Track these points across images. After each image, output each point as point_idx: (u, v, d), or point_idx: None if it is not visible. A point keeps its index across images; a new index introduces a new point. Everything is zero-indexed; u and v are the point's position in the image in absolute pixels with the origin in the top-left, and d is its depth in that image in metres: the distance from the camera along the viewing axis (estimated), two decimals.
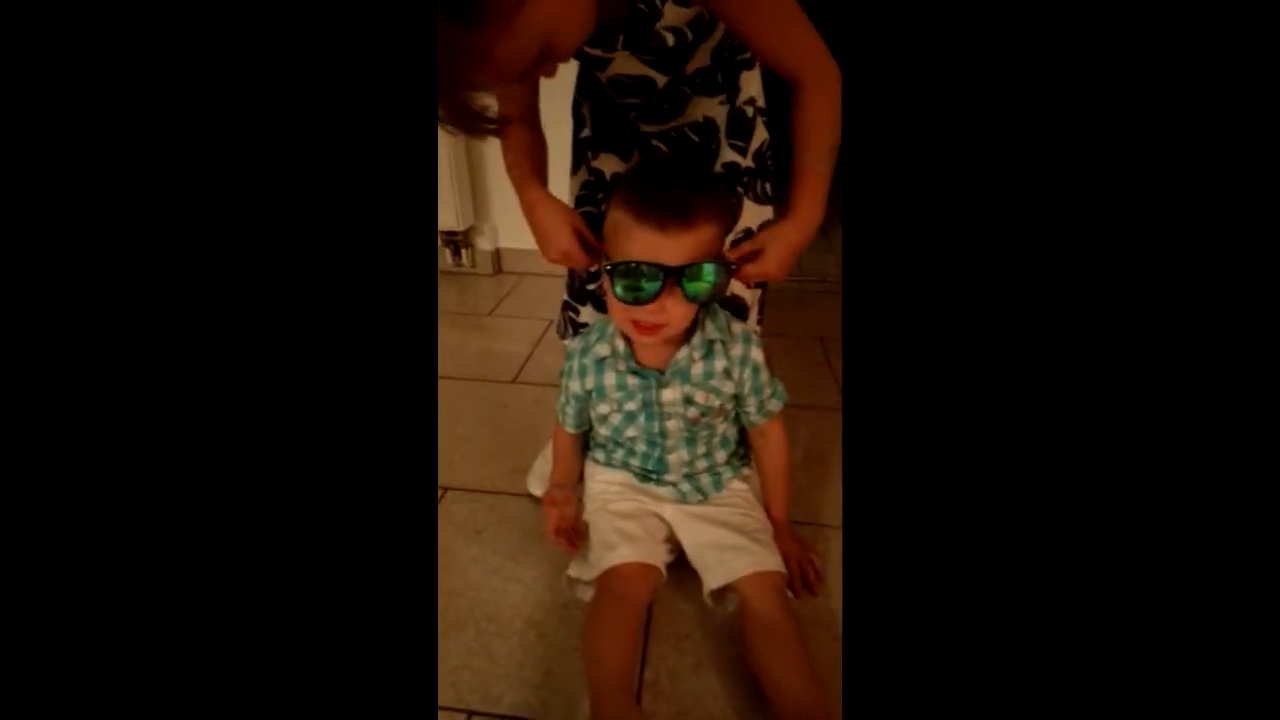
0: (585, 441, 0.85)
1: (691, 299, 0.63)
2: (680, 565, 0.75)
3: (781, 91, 0.66)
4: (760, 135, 0.80)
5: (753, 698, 0.64)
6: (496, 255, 1.88)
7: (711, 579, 0.70)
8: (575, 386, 0.76)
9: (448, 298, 1.70)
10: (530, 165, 0.71)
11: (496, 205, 1.80)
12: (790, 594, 0.72)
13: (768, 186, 0.81)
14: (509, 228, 1.83)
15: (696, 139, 0.80)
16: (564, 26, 0.51)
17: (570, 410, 0.79)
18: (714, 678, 0.67)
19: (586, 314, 0.88)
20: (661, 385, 0.72)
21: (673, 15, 0.62)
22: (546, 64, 0.53)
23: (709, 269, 0.61)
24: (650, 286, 0.61)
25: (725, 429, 0.78)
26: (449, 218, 1.71)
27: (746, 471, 0.81)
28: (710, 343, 0.71)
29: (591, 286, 0.86)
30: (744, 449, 0.82)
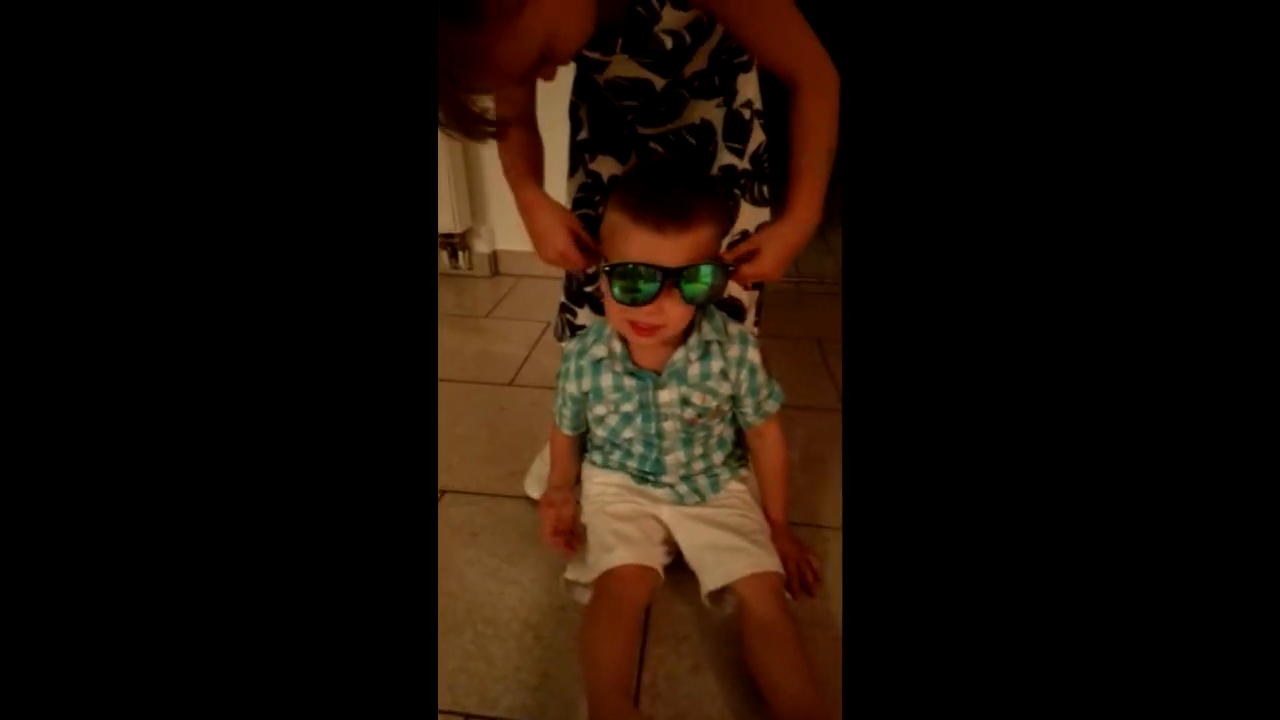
0: (582, 443, 0.85)
1: (689, 300, 0.63)
2: (678, 567, 0.75)
3: (778, 94, 0.66)
4: (757, 138, 0.80)
5: (751, 699, 0.64)
6: (494, 257, 1.88)
7: (709, 580, 0.70)
8: (572, 388, 0.76)
9: (445, 300, 1.70)
10: (527, 167, 0.71)
11: (494, 207, 1.80)
12: (788, 595, 0.72)
13: (765, 189, 0.81)
14: (506, 230, 1.83)
15: (694, 141, 0.80)
16: (564, 29, 0.51)
17: (567, 412, 0.79)
18: (712, 679, 0.67)
19: (584, 316, 0.88)
20: (658, 386, 0.72)
21: (671, 18, 0.62)
22: (546, 66, 0.53)
23: (706, 270, 0.62)
24: (648, 288, 0.61)
25: (722, 430, 0.78)
26: (446, 220, 1.71)
27: (744, 473, 0.81)
28: (707, 344, 0.71)
29: (589, 289, 0.86)
30: (741, 450, 0.82)
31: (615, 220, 0.63)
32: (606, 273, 0.63)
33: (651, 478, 0.78)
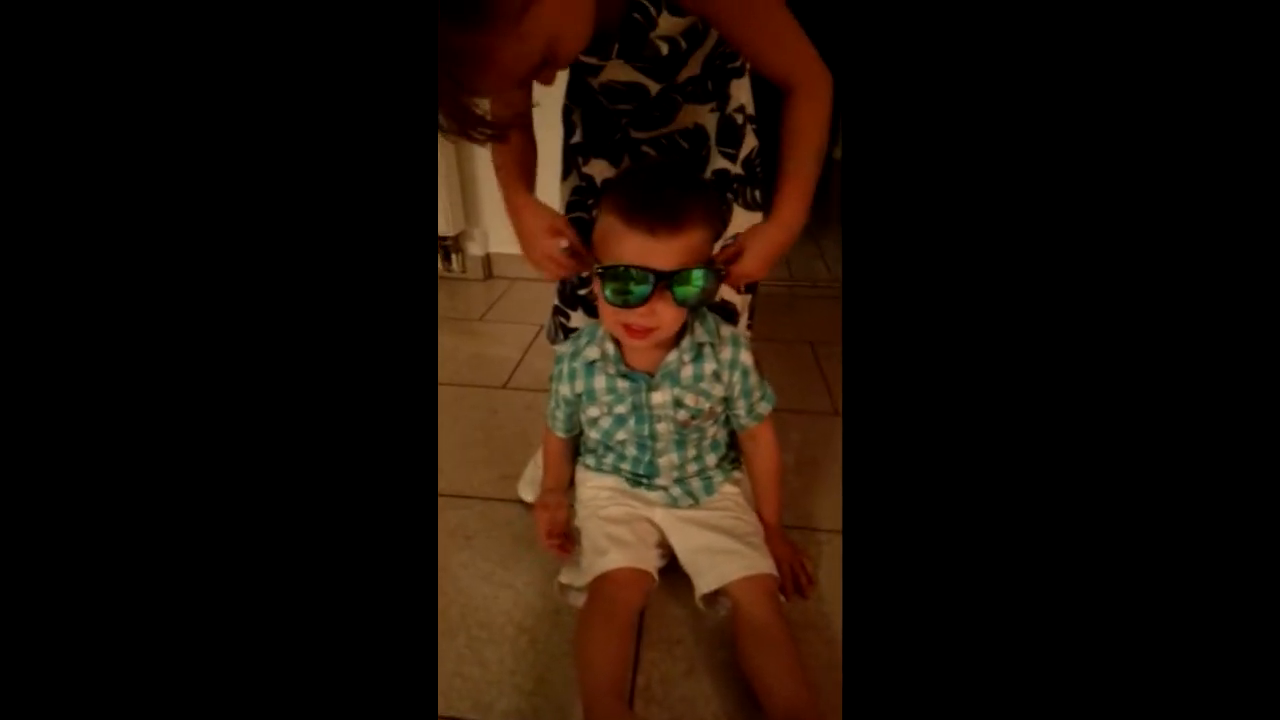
0: (576, 446, 0.85)
1: (681, 303, 0.63)
2: (672, 570, 0.75)
3: (771, 99, 0.67)
4: (750, 143, 0.80)
5: (745, 702, 0.64)
6: (487, 260, 1.88)
7: (703, 583, 0.70)
8: (565, 390, 0.76)
9: (439, 302, 1.70)
10: (518, 170, 0.71)
11: (487, 210, 1.80)
12: (782, 598, 0.72)
13: (757, 193, 0.81)
14: (500, 233, 1.83)
15: (686, 146, 0.80)
16: (566, 32, 0.51)
17: (560, 414, 0.79)
18: (707, 682, 0.67)
19: (577, 319, 0.88)
20: (651, 388, 0.72)
21: (667, 25, 0.63)
22: (547, 70, 0.53)
23: (698, 274, 0.62)
24: (639, 290, 0.61)
25: (715, 432, 0.78)
26: (440, 222, 1.71)
27: (737, 475, 0.81)
28: (699, 346, 0.71)
29: (583, 291, 0.86)
30: (734, 452, 0.82)
31: (608, 223, 0.63)
32: (599, 275, 0.63)
33: (645, 481, 0.78)
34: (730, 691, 0.66)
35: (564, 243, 0.69)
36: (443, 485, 0.97)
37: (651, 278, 0.60)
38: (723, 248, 0.68)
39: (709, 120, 0.79)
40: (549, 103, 0.79)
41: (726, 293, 0.81)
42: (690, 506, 0.78)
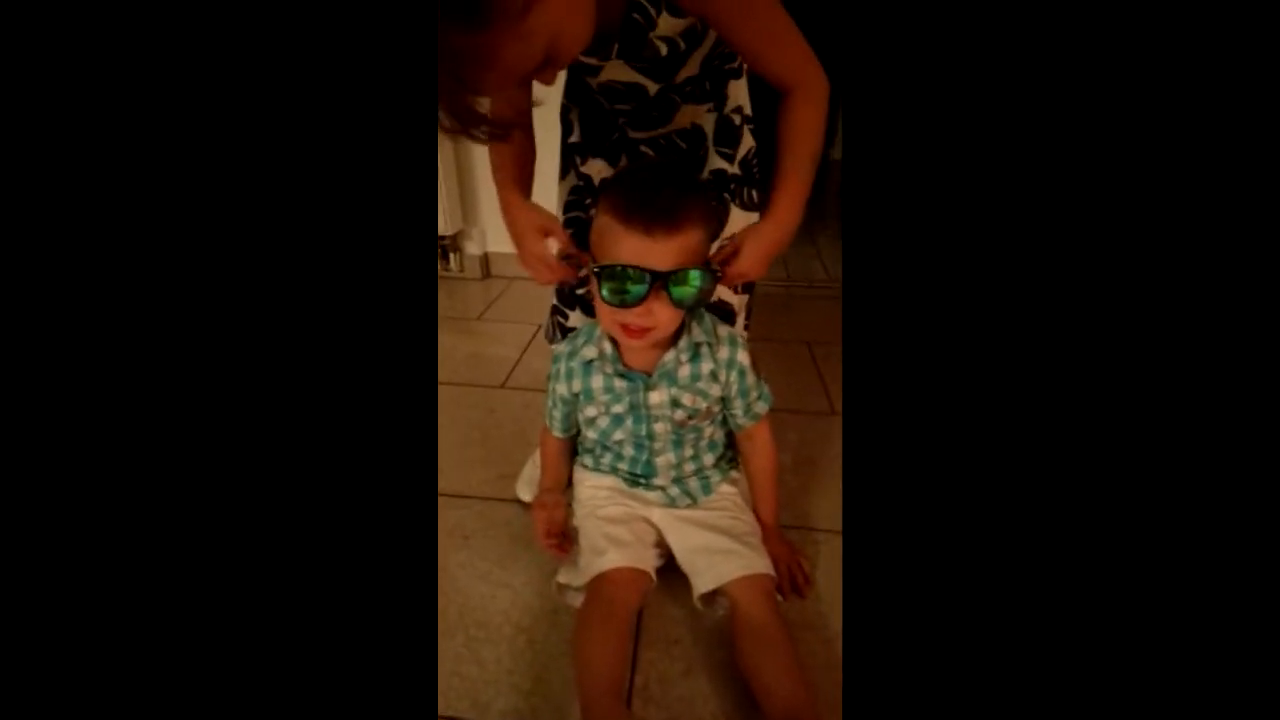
0: (574, 446, 0.85)
1: (677, 304, 0.63)
2: (670, 569, 0.75)
3: (768, 100, 0.67)
4: (747, 143, 0.81)
5: (743, 701, 0.64)
6: (485, 259, 1.88)
7: (701, 583, 0.70)
8: (562, 389, 0.76)
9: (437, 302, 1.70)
10: (515, 171, 0.71)
11: (485, 209, 1.80)
12: (779, 597, 0.72)
13: (754, 193, 0.81)
14: (498, 232, 1.83)
15: (684, 146, 0.81)
16: (568, 31, 0.51)
17: (558, 414, 0.79)
18: (704, 682, 0.67)
19: (575, 318, 0.88)
20: (649, 388, 0.72)
21: (667, 25, 0.63)
22: (548, 70, 0.53)
23: (695, 274, 0.62)
24: (636, 290, 0.61)
25: (713, 432, 0.78)
26: (438, 222, 1.71)
27: (735, 474, 0.82)
28: (697, 345, 0.71)
29: (581, 291, 0.86)
30: (732, 452, 0.83)
31: (604, 223, 0.63)
32: (596, 274, 0.63)
33: (643, 481, 0.78)
34: (728, 691, 0.66)
35: (555, 244, 0.69)
36: (441, 485, 0.97)
37: (648, 277, 0.60)
38: (719, 248, 0.68)
39: (707, 120, 0.80)
40: (548, 102, 0.79)
41: (724, 293, 0.81)
42: (688, 506, 0.78)
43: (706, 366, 0.72)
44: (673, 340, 0.71)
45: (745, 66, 0.78)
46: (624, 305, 0.62)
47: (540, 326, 1.42)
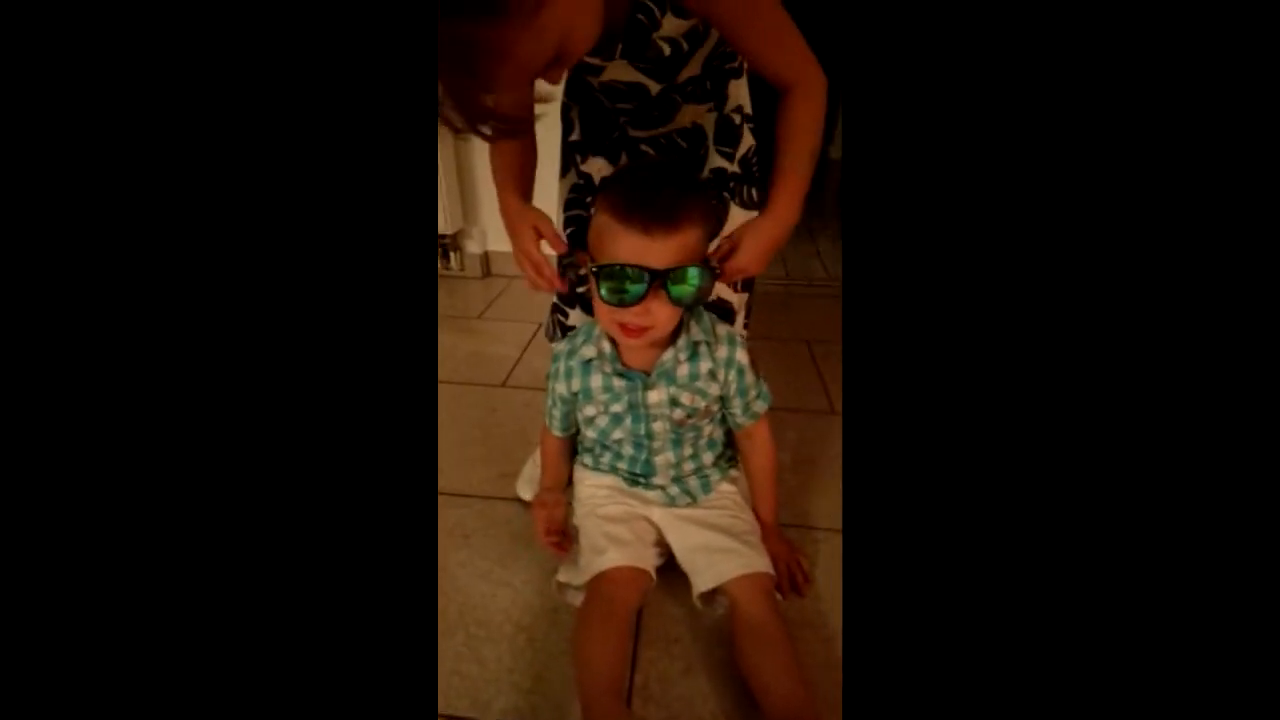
0: (574, 445, 0.85)
1: (676, 302, 0.63)
2: (670, 568, 0.75)
3: (768, 99, 0.67)
4: (747, 142, 0.81)
5: (743, 700, 0.64)
6: (485, 258, 1.88)
7: (701, 582, 0.71)
8: (561, 389, 0.76)
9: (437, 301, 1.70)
10: (514, 172, 0.71)
11: (485, 208, 1.80)
12: (778, 596, 0.72)
13: (754, 192, 0.81)
14: (498, 231, 1.82)
15: (685, 145, 0.81)
16: (578, 28, 0.52)
17: (557, 413, 0.79)
18: (704, 681, 0.68)
19: (575, 317, 0.88)
20: (647, 387, 0.72)
21: (671, 26, 0.63)
22: (555, 68, 0.53)
23: (693, 272, 0.62)
24: (635, 289, 0.61)
25: (712, 431, 0.78)
26: (438, 221, 1.71)
27: (734, 473, 0.82)
28: (695, 344, 0.72)
29: (581, 289, 0.87)
30: (731, 451, 0.83)
31: (603, 222, 0.63)
32: (594, 273, 0.63)
33: (643, 480, 0.78)
34: (727, 690, 0.66)
35: (546, 244, 0.69)
36: (441, 483, 0.97)
37: (647, 276, 0.60)
38: (718, 245, 0.68)
39: (707, 120, 0.80)
40: (548, 101, 0.79)
41: (723, 291, 0.81)
42: (688, 505, 0.78)
43: (705, 365, 0.72)
44: (671, 339, 0.71)
45: (745, 66, 0.78)
46: (623, 305, 0.62)
47: (540, 325, 1.42)
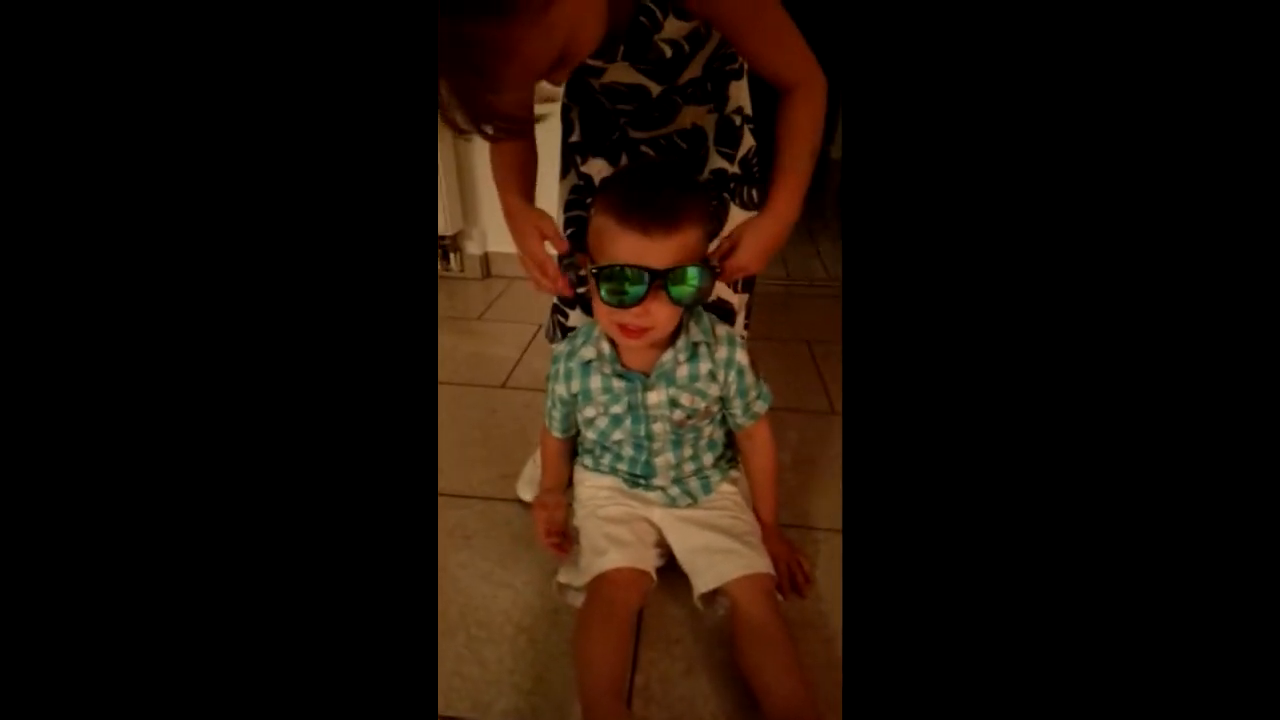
0: (574, 446, 0.85)
1: (676, 302, 0.63)
2: (670, 569, 0.75)
3: (768, 101, 0.67)
4: (747, 143, 0.81)
5: (744, 701, 0.64)
6: (485, 259, 1.88)
7: (701, 583, 0.71)
8: (561, 390, 0.76)
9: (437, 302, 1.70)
10: (516, 174, 0.71)
11: (485, 209, 1.80)
12: (779, 596, 0.72)
13: (754, 192, 0.82)
14: (498, 232, 1.83)
15: (685, 146, 0.81)
16: (584, 28, 0.52)
17: (557, 414, 0.79)
18: (705, 681, 0.68)
19: (575, 317, 0.88)
20: (647, 388, 0.72)
21: (672, 28, 0.63)
22: (560, 69, 0.53)
23: (693, 272, 0.62)
24: (635, 290, 0.61)
25: (712, 432, 0.78)
26: (438, 222, 1.71)
27: (735, 474, 0.82)
28: (695, 345, 0.72)
29: (581, 290, 0.87)
30: (731, 451, 0.83)
31: (602, 223, 0.63)
32: (594, 275, 0.63)
33: (643, 481, 0.78)
34: (728, 690, 0.66)
35: (550, 245, 0.69)
36: (441, 485, 0.97)
37: (646, 277, 0.60)
38: (718, 244, 0.69)
39: (708, 121, 0.80)
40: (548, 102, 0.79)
41: (723, 292, 0.81)
42: (688, 506, 0.78)
43: (705, 366, 0.72)
44: (671, 340, 0.71)
45: (746, 67, 0.78)
46: (622, 305, 0.62)
47: (540, 326, 1.42)
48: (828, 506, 0.93)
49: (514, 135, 0.59)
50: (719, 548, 0.72)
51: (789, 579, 0.76)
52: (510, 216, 0.71)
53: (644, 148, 0.81)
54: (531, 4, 0.45)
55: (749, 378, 0.74)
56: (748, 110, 0.81)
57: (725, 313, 0.83)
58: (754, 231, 0.66)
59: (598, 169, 0.83)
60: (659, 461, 0.76)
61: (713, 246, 0.68)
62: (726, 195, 0.81)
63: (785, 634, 0.65)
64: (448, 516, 0.91)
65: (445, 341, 1.46)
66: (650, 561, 0.73)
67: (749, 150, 0.81)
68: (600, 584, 0.69)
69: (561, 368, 0.76)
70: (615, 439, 0.76)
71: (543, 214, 0.70)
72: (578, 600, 0.73)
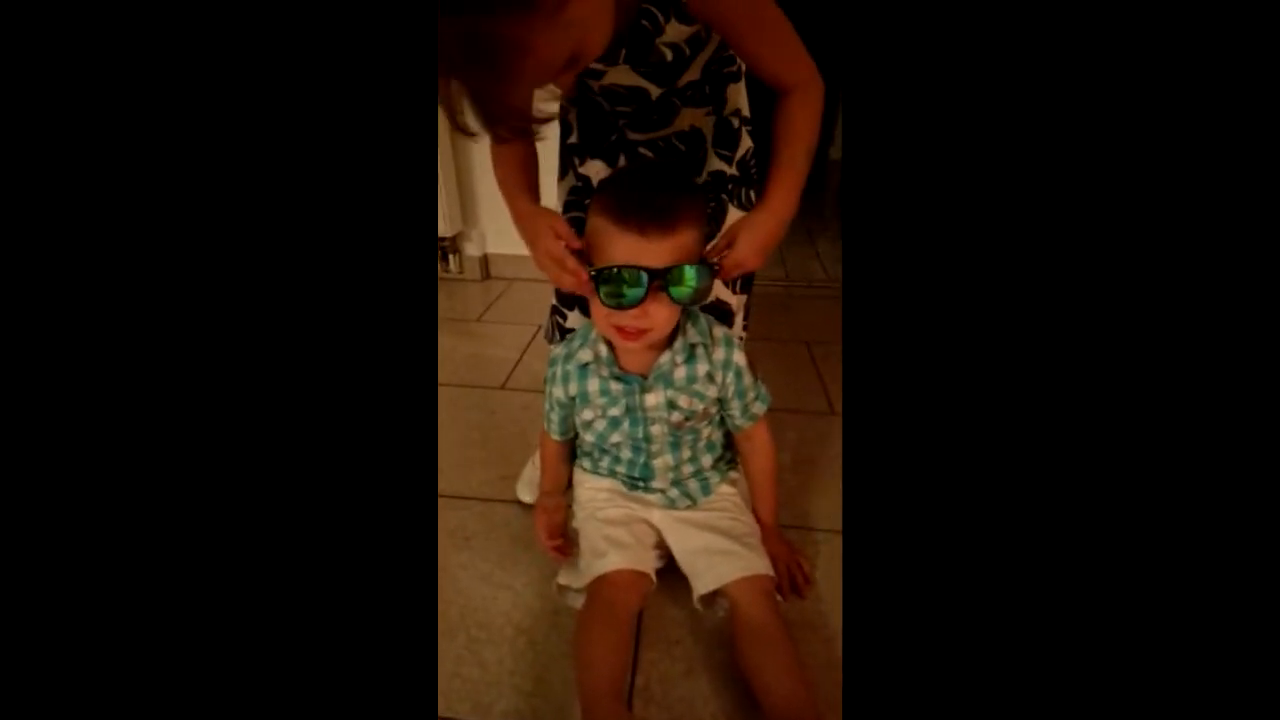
0: (573, 449, 0.85)
1: (676, 302, 0.63)
2: (670, 571, 0.75)
3: (766, 103, 0.68)
4: (745, 144, 0.81)
5: (744, 701, 0.64)
6: (485, 261, 1.88)
7: (701, 584, 0.71)
8: (559, 393, 0.76)
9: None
10: (522, 178, 0.71)
11: (485, 210, 1.80)
12: (779, 597, 0.72)
13: (752, 194, 0.82)
14: (497, 233, 1.83)
15: (683, 148, 0.81)
16: (595, 29, 0.52)
17: (555, 417, 0.79)
18: (705, 682, 0.68)
19: (574, 318, 0.88)
20: (644, 390, 0.72)
21: (674, 32, 0.63)
22: (569, 70, 0.53)
23: (691, 271, 0.62)
24: (634, 292, 0.61)
25: (710, 433, 0.78)
26: (437, 223, 1.71)
27: (734, 475, 0.82)
28: (692, 347, 0.72)
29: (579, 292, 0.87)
30: (730, 453, 0.83)
31: (598, 224, 0.63)
32: (592, 277, 0.63)
33: (641, 483, 0.78)
34: (728, 691, 0.66)
35: (565, 243, 0.69)
36: (441, 486, 0.97)
37: (645, 278, 0.60)
38: (715, 243, 0.69)
39: (706, 123, 0.80)
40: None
41: (722, 293, 0.81)
42: (687, 507, 0.78)
43: (702, 368, 0.72)
44: (668, 342, 0.71)
45: (744, 70, 0.78)
46: (621, 307, 0.62)
47: (540, 327, 1.42)
48: (827, 507, 0.93)
49: (525, 136, 0.59)
50: (718, 549, 0.72)
51: (789, 580, 0.76)
52: (521, 219, 0.70)
53: (642, 149, 0.82)
54: (548, 1, 0.45)
55: (747, 379, 0.74)
56: (745, 112, 0.81)
57: (723, 314, 0.83)
58: (750, 228, 0.66)
59: (596, 170, 0.84)
60: (657, 464, 0.76)
61: (709, 246, 0.68)
62: (724, 197, 0.81)
63: (785, 634, 0.65)
64: (448, 518, 0.91)
65: (444, 343, 1.46)
66: (650, 563, 0.73)
67: (747, 152, 0.82)
68: (600, 586, 0.69)
69: (559, 370, 0.76)
70: (613, 441, 0.76)
71: (554, 213, 0.70)
72: (577, 602, 0.73)
